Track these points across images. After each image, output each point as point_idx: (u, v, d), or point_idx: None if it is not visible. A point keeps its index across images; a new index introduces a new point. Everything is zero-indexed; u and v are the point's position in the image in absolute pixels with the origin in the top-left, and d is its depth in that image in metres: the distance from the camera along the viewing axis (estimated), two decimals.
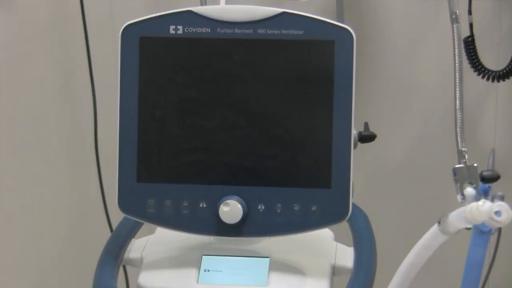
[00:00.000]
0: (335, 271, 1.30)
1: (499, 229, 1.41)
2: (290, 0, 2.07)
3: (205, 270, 1.27)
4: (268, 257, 1.28)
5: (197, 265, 1.28)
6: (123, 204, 1.24)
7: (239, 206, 1.21)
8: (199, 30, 1.22)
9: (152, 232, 1.41)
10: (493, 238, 1.84)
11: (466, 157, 1.54)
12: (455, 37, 1.65)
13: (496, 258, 1.94)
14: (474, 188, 1.39)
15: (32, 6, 2.20)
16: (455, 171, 1.47)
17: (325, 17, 1.21)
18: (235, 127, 1.22)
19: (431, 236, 1.25)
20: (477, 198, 1.27)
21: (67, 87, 2.24)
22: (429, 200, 2.18)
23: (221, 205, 1.21)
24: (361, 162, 2.09)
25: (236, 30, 1.22)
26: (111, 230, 2.07)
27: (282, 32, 1.21)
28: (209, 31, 1.22)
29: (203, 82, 1.22)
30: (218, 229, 1.23)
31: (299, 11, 1.21)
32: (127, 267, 1.89)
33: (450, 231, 1.22)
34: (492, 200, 1.16)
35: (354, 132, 1.24)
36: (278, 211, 1.21)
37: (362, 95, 2.11)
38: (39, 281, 2.25)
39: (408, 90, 2.19)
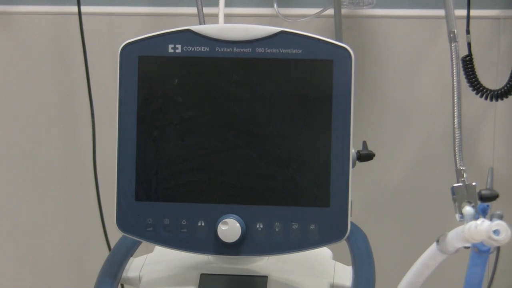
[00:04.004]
0: None
1: (498, 248, 1.41)
2: (289, 20, 2.08)
3: None
4: (266, 276, 1.28)
5: (195, 284, 1.27)
6: (122, 223, 1.24)
7: (238, 225, 1.20)
8: (198, 49, 1.22)
9: (150, 250, 1.40)
10: (491, 258, 1.83)
11: (465, 176, 1.54)
12: (453, 56, 1.65)
13: (495, 278, 1.94)
14: (473, 207, 1.38)
15: (31, 25, 2.21)
16: (453, 190, 1.47)
17: (323, 37, 1.21)
18: (233, 146, 1.21)
19: (430, 255, 1.25)
20: (475, 217, 1.26)
21: (66, 106, 2.24)
22: (428, 219, 2.18)
23: (219, 224, 1.21)
24: (360, 181, 2.10)
25: (235, 49, 1.22)
26: (109, 249, 2.07)
27: (281, 51, 1.21)
28: (208, 50, 1.22)
29: (201, 101, 1.22)
30: (216, 248, 1.22)
31: (298, 30, 1.22)
32: (125, 287, 1.88)
33: (448, 250, 1.21)
34: (491, 219, 1.15)
35: (353, 151, 1.24)
36: (277, 230, 1.21)
37: (361, 114, 2.11)
38: None
39: (407, 109, 2.19)
